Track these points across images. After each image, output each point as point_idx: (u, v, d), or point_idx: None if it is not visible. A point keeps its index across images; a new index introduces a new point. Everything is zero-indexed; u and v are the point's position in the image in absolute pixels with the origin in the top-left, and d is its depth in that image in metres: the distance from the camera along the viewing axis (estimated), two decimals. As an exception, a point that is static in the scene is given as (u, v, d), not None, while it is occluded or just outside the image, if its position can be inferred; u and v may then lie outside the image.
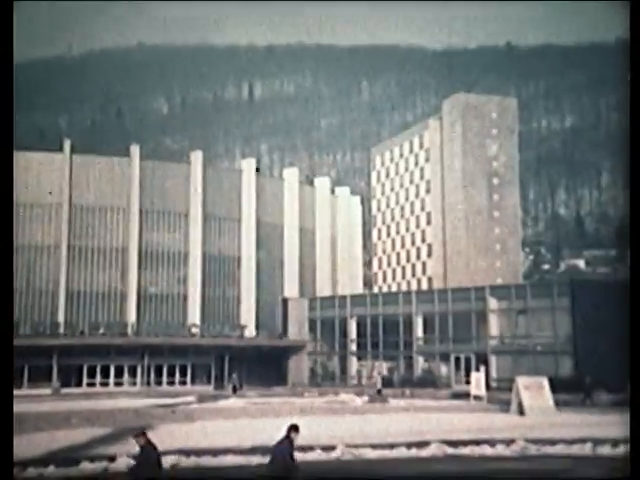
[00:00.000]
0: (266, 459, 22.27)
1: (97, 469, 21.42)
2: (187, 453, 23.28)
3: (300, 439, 26.42)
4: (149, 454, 12.32)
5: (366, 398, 50.23)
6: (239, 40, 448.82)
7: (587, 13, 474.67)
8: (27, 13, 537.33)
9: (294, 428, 13.99)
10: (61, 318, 73.73)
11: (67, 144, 78.25)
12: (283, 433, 13.92)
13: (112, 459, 22.36)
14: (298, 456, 22.81)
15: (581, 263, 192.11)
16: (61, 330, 72.44)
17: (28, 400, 53.01)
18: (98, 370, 72.90)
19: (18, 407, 42.38)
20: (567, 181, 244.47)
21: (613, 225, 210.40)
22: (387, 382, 70.32)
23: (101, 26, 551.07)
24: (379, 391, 57.94)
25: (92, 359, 72.65)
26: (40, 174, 76.39)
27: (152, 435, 31.33)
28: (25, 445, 25.89)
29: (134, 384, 72.89)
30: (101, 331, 73.47)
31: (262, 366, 76.96)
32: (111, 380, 72.90)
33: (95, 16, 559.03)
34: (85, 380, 72.22)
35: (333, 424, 34.22)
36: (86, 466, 21.69)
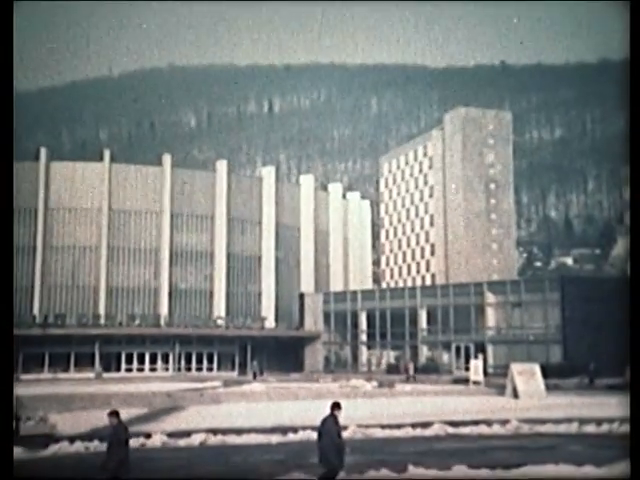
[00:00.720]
0: (286, 438, 22.60)
1: (135, 444, 21.52)
2: (214, 432, 23.35)
3: (314, 420, 26.62)
4: (119, 432, 12.48)
5: (375, 383, 50.18)
6: (260, 60, 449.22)
7: (574, 36, 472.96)
8: (73, 37, 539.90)
9: (336, 405, 13.74)
10: (102, 311, 74.13)
11: (107, 154, 78.63)
12: (327, 411, 13.82)
13: (148, 436, 22.54)
14: (312, 435, 23.01)
15: (570, 261, 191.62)
16: (102, 321, 72.81)
17: (75, 383, 53.61)
18: (135, 357, 73.23)
19: (67, 389, 43.05)
20: (557, 187, 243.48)
21: (598, 227, 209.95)
22: (393, 369, 70.39)
23: (136, 49, 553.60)
24: (414, 377, 57.19)
25: (129, 347, 73.00)
26: (83, 182, 76.82)
27: (183, 415, 31.63)
28: (73, 422, 26.18)
29: (166, 370, 73.17)
30: (137, 322, 73.77)
31: (281, 354, 77.07)
32: (146, 366, 73.19)
33: (130, 41, 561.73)
34: (123, 366, 72.56)
35: (346, 406, 34.18)
36: (125, 442, 21.82)
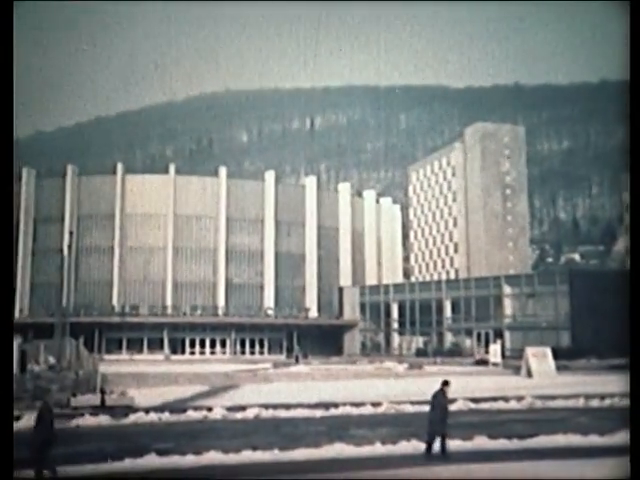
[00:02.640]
0: (328, 412, 22.73)
1: (198, 416, 21.86)
2: (266, 407, 23.45)
3: (353, 397, 26.80)
4: (45, 415, 12.54)
5: (406, 365, 49.98)
6: (302, 84, 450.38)
7: (578, 59, 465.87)
8: (144, 65, 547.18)
9: (446, 383, 14.48)
10: (169, 302, 74.95)
11: (172, 168, 79.47)
12: (438, 387, 14.58)
13: (210, 409, 22.80)
14: (352, 410, 23.21)
15: (577, 256, 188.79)
16: (169, 311, 73.74)
17: (147, 363, 54.33)
18: (197, 342, 74.01)
19: (141, 368, 43.75)
20: (565, 191, 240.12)
21: (601, 226, 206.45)
22: (422, 353, 70.06)
23: (197, 77, 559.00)
24: (485, 362, 52.51)
25: (192, 333, 73.82)
26: (152, 191, 77.74)
27: (239, 392, 31.89)
28: (146, 396, 26.59)
29: (224, 353, 73.79)
30: (198, 312, 74.52)
31: (323, 340, 77.04)
32: (207, 350, 73.92)
33: (192, 69, 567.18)
34: (188, 349, 73.38)
35: (380, 385, 34.26)
36: (191, 414, 22.13)
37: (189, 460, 14.10)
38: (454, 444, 15.91)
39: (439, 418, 14.02)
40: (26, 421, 19.24)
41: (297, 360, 60.24)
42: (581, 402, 25.43)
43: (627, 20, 10.78)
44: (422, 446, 15.59)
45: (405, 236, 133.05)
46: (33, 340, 33.11)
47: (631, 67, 10.82)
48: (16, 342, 26.93)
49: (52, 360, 30.72)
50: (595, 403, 25.24)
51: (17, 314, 72.71)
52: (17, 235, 75.45)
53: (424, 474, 12.88)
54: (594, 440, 16.34)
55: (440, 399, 14.21)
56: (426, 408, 23.70)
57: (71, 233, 60.97)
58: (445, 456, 14.10)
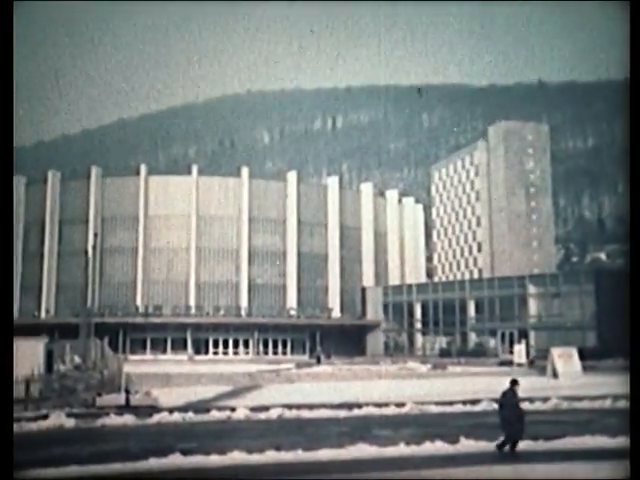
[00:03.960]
0: (351, 413, 22.68)
1: (222, 417, 21.93)
2: (289, 407, 23.32)
3: (376, 398, 26.71)
4: None
5: (429, 365, 49.78)
6: (324, 84, 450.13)
7: (604, 55, 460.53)
8: (166, 66, 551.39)
9: (515, 382, 14.46)
10: (192, 303, 75.49)
11: (194, 169, 79.98)
12: (507, 386, 14.55)
13: (233, 410, 22.84)
14: (375, 411, 23.14)
15: (603, 256, 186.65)
16: (192, 312, 74.20)
17: (171, 363, 54.71)
18: (220, 342, 74.39)
19: (165, 368, 44.04)
20: (590, 190, 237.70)
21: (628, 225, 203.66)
22: (446, 353, 69.70)
23: (219, 79, 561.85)
24: (532, 362, 51.15)
25: (216, 334, 74.17)
26: (175, 192, 78.33)
27: (262, 392, 31.90)
28: (170, 396, 26.72)
29: (247, 353, 74.09)
30: (221, 312, 74.93)
31: (346, 341, 76.98)
32: (230, 350, 74.27)
33: (214, 72, 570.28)
34: (211, 349, 73.77)
35: (403, 386, 34.11)
36: (214, 414, 22.18)
37: (213, 460, 14.16)
38: (479, 445, 15.81)
39: (512, 418, 13.95)
40: (53, 420, 19.53)
41: (319, 360, 60.21)
42: (608, 403, 25.10)
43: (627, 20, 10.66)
44: (446, 447, 15.48)
45: (428, 236, 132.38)
46: (59, 340, 33.51)
47: (631, 67, 10.72)
48: (43, 342, 27.33)
49: (78, 360, 31.07)
50: (622, 404, 24.87)
51: (43, 314, 73.77)
52: (42, 237, 76.68)
53: (447, 475, 12.81)
54: (622, 442, 16.08)
55: (510, 398, 14.17)
56: (449, 409, 23.90)
57: (95, 234, 61.73)
58: (514, 456, 14.15)
